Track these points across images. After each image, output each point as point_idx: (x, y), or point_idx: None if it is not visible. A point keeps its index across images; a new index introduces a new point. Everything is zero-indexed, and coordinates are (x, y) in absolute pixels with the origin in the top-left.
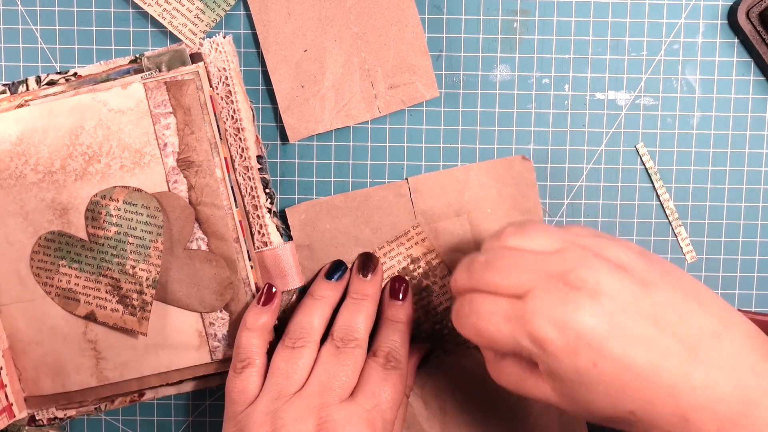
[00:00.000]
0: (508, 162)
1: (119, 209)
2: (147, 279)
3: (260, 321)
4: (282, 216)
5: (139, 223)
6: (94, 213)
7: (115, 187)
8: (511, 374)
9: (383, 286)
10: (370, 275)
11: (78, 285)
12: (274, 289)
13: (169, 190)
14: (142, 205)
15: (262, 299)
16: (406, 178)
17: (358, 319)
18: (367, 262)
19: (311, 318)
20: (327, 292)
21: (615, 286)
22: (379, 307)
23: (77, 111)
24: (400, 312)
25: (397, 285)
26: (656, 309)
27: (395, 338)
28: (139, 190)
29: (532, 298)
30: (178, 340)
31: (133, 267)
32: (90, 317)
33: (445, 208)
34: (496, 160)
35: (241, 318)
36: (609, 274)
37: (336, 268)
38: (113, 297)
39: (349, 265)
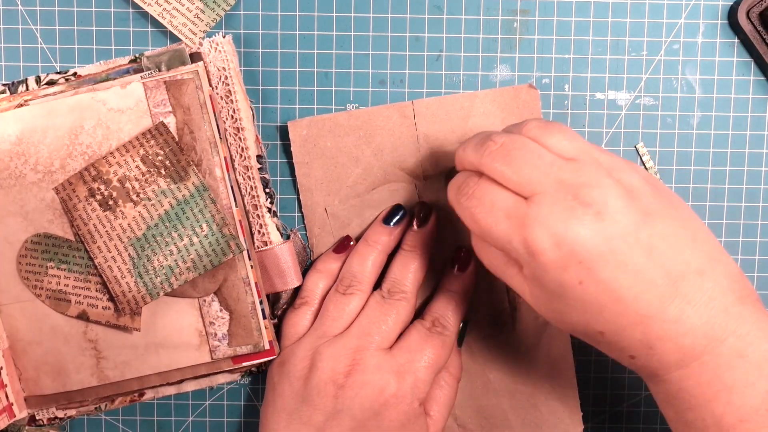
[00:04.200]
0: (514, 91)
1: None
2: None
3: (329, 266)
4: (281, 212)
5: None
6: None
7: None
8: (493, 259)
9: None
10: (422, 226)
11: (68, 285)
12: (351, 243)
13: None
14: None
15: (336, 247)
16: (412, 101)
17: (406, 272)
18: (420, 213)
19: (363, 265)
20: (382, 238)
21: (621, 211)
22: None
23: (77, 111)
24: (457, 283)
25: (462, 254)
26: (652, 240)
27: (447, 307)
28: None
29: (537, 204)
30: (179, 340)
31: None
32: (82, 317)
33: (448, 134)
34: (503, 89)
35: (241, 318)
36: (617, 198)
37: (394, 213)
38: (104, 295)
39: (349, 183)
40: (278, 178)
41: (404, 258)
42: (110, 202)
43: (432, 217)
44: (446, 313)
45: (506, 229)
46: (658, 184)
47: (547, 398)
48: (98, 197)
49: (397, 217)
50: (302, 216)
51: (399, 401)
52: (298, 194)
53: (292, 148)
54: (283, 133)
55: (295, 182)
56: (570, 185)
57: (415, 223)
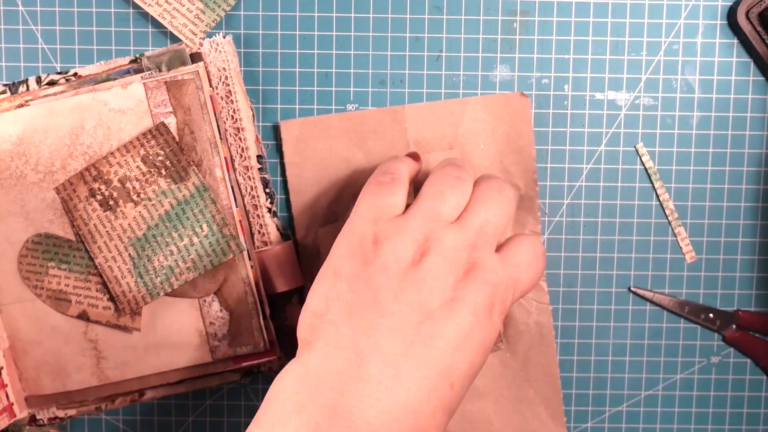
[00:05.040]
0: (505, 98)
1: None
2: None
3: (410, 162)
4: (281, 212)
5: None
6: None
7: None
8: None
9: None
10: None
11: (68, 285)
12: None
13: None
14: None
15: (410, 153)
16: (404, 105)
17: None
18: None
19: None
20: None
21: None
22: None
23: (77, 111)
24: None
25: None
26: None
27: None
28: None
29: None
30: (179, 340)
31: None
32: (83, 316)
33: (439, 140)
34: (494, 96)
35: (241, 318)
36: None
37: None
38: (104, 295)
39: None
40: (278, 178)
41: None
42: (111, 202)
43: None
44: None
45: None
46: None
47: (532, 404)
48: (99, 197)
49: None
50: (290, 217)
51: (504, 312)
52: (287, 194)
53: (283, 148)
54: (278, 132)
55: (285, 182)
56: None
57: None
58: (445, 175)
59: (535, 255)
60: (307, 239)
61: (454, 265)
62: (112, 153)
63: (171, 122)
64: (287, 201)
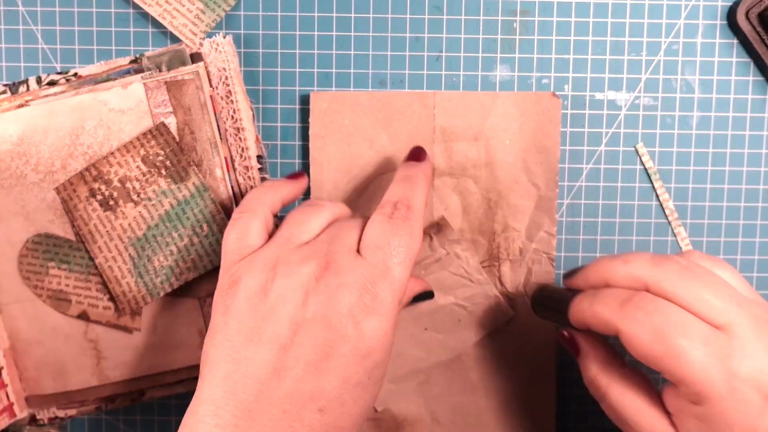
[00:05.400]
0: (537, 96)
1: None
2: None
3: (280, 186)
4: (281, 212)
5: None
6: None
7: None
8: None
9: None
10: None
11: (68, 285)
12: (304, 175)
13: None
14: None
15: (291, 175)
16: (434, 91)
17: (398, 191)
18: (416, 151)
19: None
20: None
21: None
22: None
23: (78, 111)
24: (414, 169)
25: (416, 149)
26: None
27: (407, 188)
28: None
29: (739, 335)
30: (179, 339)
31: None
32: (83, 317)
33: (465, 130)
34: (526, 93)
35: None
36: None
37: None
38: (104, 295)
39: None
40: (278, 179)
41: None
42: (111, 203)
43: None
44: (405, 194)
45: (703, 357)
46: None
47: (524, 404)
48: (99, 197)
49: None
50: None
51: (380, 306)
52: (306, 161)
53: (310, 120)
54: (283, 132)
55: (303, 151)
56: (766, 320)
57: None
58: (305, 205)
59: (391, 230)
60: None
61: (301, 279)
62: (112, 153)
63: (171, 122)
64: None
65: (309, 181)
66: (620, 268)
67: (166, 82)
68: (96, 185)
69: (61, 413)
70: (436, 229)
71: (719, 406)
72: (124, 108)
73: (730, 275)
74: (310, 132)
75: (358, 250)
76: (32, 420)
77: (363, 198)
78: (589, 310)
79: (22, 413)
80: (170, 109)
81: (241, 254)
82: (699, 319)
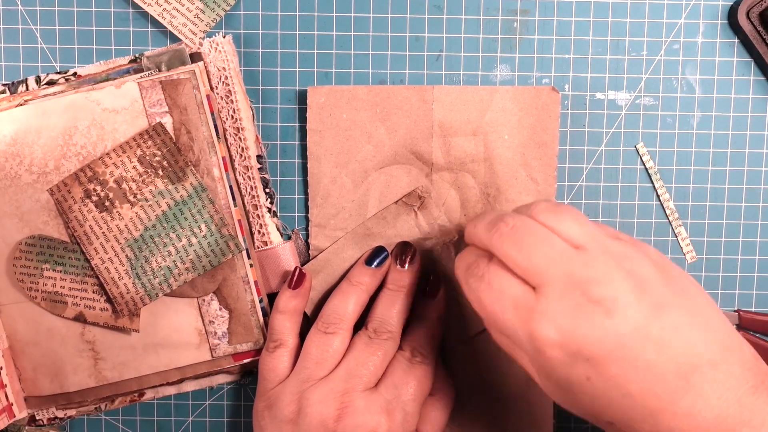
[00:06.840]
0: (535, 91)
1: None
2: None
3: (291, 304)
4: (281, 212)
5: None
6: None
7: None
8: (501, 340)
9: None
10: (407, 265)
11: (64, 287)
12: (304, 274)
13: None
14: None
15: (293, 283)
16: (433, 86)
17: (392, 311)
18: (404, 251)
19: (346, 304)
20: (365, 279)
21: (631, 307)
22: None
23: (70, 111)
24: (430, 309)
25: (431, 280)
26: (663, 334)
27: (425, 335)
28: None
29: (546, 297)
30: (178, 339)
31: None
32: (79, 318)
33: (464, 125)
34: (524, 87)
35: (240, 315)
36: (628, 293)
37: (376, 255)
38: (101, 296)
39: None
40: (278, 178)
41: (389, 297)
42: (107, 203)
43: (416, 257)
44: (423, 342)
45: (512, 319)
46: (671, 268)
47: (522, 404)
48: (94, 198)
49: (379, 260)
50: (305, 183)
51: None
52: (305, 161)
53: (307, 114)
54: (283, 132)
55: (303, 150)
56: (579, 280)
57: (398, 263)
58: (320, 333)
59: (409, 372)
60: (321, 208)
61: (322, 416)
62: (107, 153)
63: (167, 122)
64: (303, 168)
65: (308, 182)
66: (471, 230)
67: (161, 82)
68: (91, 186)
69: (60, 413)
70: (420, 204)
71: (533, 362)
72: (118, 108)
73: (570, 223)
74: (308, 126)
75: (375, 384)
76: (31, 420)
77: (360, 192)
78: (457, 271)
79: (21, 414)
80: (166, 108)
81: (274, 382)
82: (518, 281)
